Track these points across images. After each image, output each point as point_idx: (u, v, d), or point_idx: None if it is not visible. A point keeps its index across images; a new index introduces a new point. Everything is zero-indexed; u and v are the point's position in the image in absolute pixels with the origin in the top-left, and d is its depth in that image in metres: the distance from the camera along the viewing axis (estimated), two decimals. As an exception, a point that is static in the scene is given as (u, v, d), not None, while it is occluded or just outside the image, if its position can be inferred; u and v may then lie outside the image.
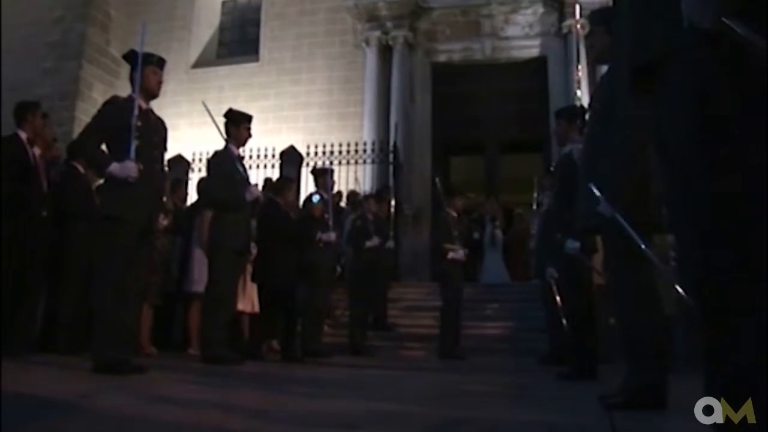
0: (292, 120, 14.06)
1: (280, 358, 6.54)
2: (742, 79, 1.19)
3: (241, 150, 6.31)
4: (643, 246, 3.08)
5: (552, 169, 6.50)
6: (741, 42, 1.13)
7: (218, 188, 5.89)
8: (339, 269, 8.16)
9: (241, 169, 5.94)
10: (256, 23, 15.49)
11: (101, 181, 4.93)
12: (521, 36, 13.69)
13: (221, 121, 6.03)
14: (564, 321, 5.43)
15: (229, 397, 3.54)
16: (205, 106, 5.83)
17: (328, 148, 12.54)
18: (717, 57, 1.21)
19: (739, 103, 1.20)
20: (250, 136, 6.13)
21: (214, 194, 6.05)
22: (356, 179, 10.38)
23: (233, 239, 5.75)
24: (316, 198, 7.13)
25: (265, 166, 12.30)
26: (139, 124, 4.36)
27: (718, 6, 1.15)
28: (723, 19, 1.15)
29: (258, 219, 6.69)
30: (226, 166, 5.87)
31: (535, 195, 8.44)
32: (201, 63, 15.45)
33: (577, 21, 11.66)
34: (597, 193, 3.25)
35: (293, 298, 6.60)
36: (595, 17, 4.06)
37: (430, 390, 4.47)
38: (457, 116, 13.79)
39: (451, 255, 7.83)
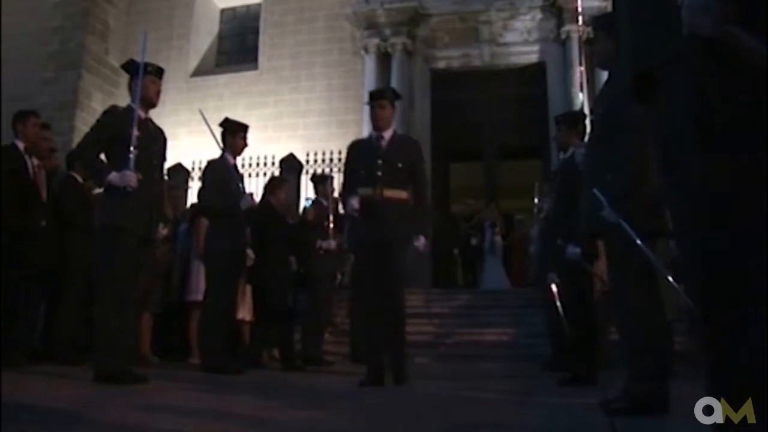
0: (291, 128, 14.08)
1: (280, 367, 6.52)
2: (742, 85, 1.20)
3: (239, 158, 6.32)
4: (646, 251, 3.08)
5: (553, 172, 6.50)
6: (741, 49, 1.13)
7: (213, 198, 5.91)
8: (339, 277, 8.14)
9: (236, 178, 5.95)
10: (255, 31, 15.53)
11: (100, 191, 4.92)
12: (520, 42, 13.72)
13: (219, 129, 6.04)
14: (565, 326, 5.42)
15: (229, 406, 3.53)
16: (202, 114, 5.83)
17: (327, 156, 12.55)
18: (717, 63, 1.21)
19: (739, 108, 1.21)
20: (246, 145, 6.14)
21: (208, 203, 6.06)
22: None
23: (229, 248, 5.75)
24: (307, 202, 7.10)
25: (265, 174, 12.29)
26: (138, 133, 4.36)
27: (718, 13, 1.15)
28: (723, 26, 1.15)
29: (252, 220, 6.70)
30: (220, 175, 5.87)
31: (536, 200, 8.42)
32: (200, 71, 15.48)
33: (578, 27, 11.74)
34: (601, 198, 3.25)
35: (287, 303, 6.56)
36: (598, 23, 4.07)
37: (431, 397, 4.45)
38: (457, 123, 13.81)
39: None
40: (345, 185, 5.09)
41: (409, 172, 4.92)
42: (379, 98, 5.04)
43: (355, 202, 4.75)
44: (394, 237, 4.72)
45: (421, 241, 4.95)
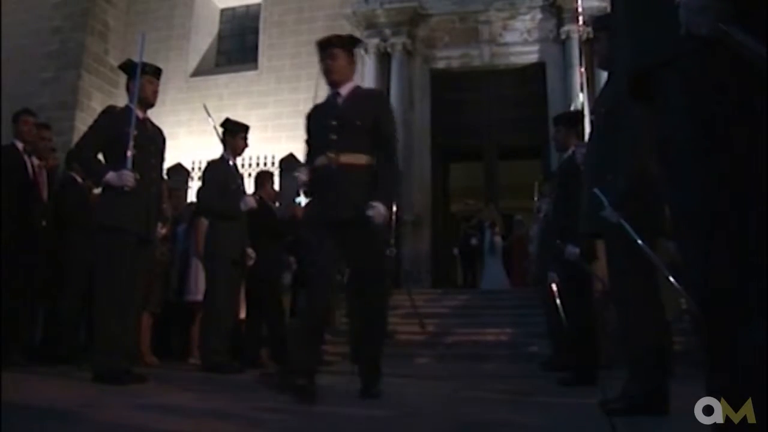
0: (291, 128, 14.03)
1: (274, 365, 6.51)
2: (739, 85, 1.20)
3: (239, 158, 6.32)
4: (647, 251, 3.09)
5: (553, 171, 6.47)
6: (738, 48, 1.13)
7: (212, 198, 5.90)
8: (339, 276, 8.12)
9: (236, 178, 5.96)
10: (255, 31, 15.51)
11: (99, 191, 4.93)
12: (519, 42, 13.71)
13: (219, 130, 6.04)
14: (565, 326, 5.42)
15: (229, 406, 3.53)
16: (205, 108, 5.84)
17: (327, 156, 12.51)
18: (715, 63, 1.21)
19: (737, 108, 1.21)
20: (246, 145, 6.14)
21: (208, 204, 6.05)
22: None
23: (229, 249, 5.75)
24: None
25: (265, 175, 12.31)
26: (136, 133, 4.37)
27: (715, 13, 1.15)
28: (720, 25, 1.15)
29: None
30: (220, 175, 5.88)
31: (535, 199, 8.43)
32: (200, 71, 15.47)
33: (578, 27, 11.73)
34: (602, 197, 3.26)
35: (278, 299, 6.53)
36: (599, 23, 4.07)
37: (431, 397, 4.46)
38: (456, 122, 13.80)
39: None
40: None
41: (373, 132, 3.88)
42: (328, 47, 3.99)
43: (302, 174, 3.91)
44: (356, 216, 3.69)
45: (377, 210, 3.69)
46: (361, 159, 3.82)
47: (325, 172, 3.80)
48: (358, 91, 4.06)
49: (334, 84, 3.99)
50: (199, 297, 6.35)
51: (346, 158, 3.77)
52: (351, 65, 4.05)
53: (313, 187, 3.93)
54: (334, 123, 3.84)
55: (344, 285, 8.17)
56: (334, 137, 3.80)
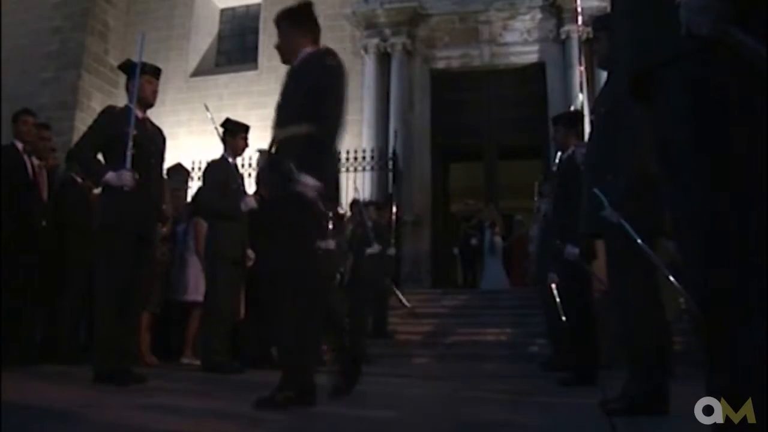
0: (291, 128, 14.05)
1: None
2: (739, 85, 1.20)
3: (240, 158, 6.32)
4: (647, 251, 3.09)
5: (552, 171, 6.47)
6: (738, 48, 1.13)
7: (213, 198, 5.90)
8: (338, 277, 8.13)
9: (237, 178, 5.96)
10: (255, 31, 15.50)
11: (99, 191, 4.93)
12: (519, 42, 13.71)
13: (220, 130, 6.05)
14: (564, 326, 5.42)
15: (229, 406, 3.53)
16: (206, 107, 5.84)
17: (326, 156, 12.49)
18: (715, 63, 1.21)
19: (737, 108, 1.21)
20: (247, 145, 6.14)
21: (209, 204, 6.05)
22: (355, 187, 10.31)
23: (229, 249, 5.75)
24: None
25: (266, 174, 12.29)
26: (135, 133, 4.36)
27: (716, 13, 1.15)
28: (722, 25, 1.15)
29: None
30: (221, 175, 5.87)
31: (535, 199, 8.43)
32: (200, 71, 15.46)
33: (578, 27, 11.73)
34: (602, 197, 3.26)
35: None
36: (599, 23, 4.07)
37: (431, 397, 4.46)
38: (456, 122, 13.80)
39: None
40: None
41: (312, 97, 3.32)
42: (277, 26, 3.68)
43: (260, 159, 3.55)
44: (278, 196, 3.33)
45: (304, 183, 3.15)
46: (292, 131, 3.34)
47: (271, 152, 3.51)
48: (306, 57, 3.55)
49: (287, 63, 3.65)
50: (199, 297, 6.34)
51: (284, 133, 3.39)
52: (300, 35, 3.61)
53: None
54: (278, 99, 3.54)
55: (344, 284, 8.23)
56: (280, 114, 3.47)
